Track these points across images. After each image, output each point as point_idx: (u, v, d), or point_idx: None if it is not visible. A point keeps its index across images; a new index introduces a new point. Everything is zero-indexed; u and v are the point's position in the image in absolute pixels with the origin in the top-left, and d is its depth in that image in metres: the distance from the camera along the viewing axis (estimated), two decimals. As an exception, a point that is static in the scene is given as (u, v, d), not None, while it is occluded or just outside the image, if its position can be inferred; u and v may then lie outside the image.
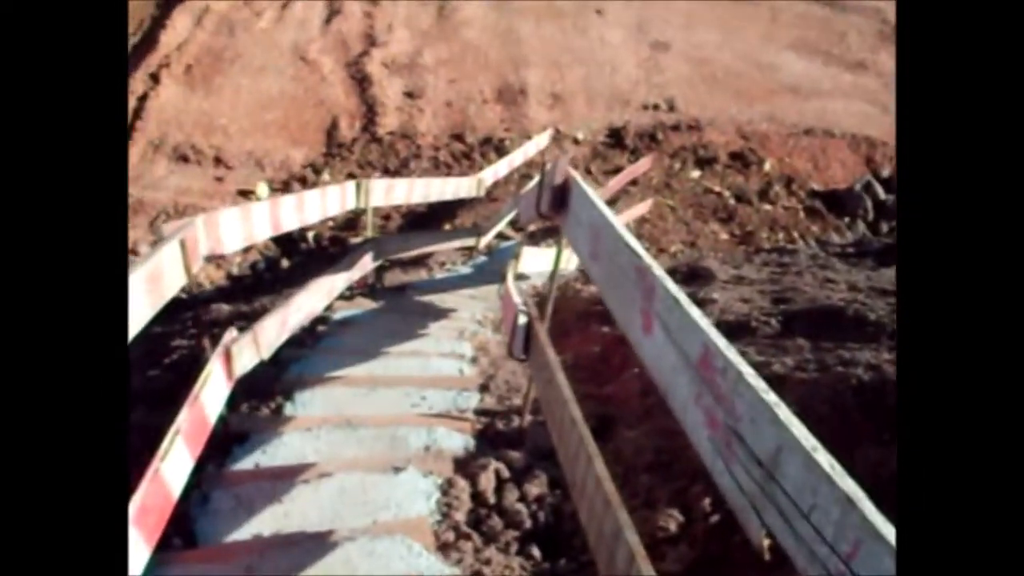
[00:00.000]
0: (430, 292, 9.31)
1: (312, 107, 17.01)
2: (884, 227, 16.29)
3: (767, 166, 17.38)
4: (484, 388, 5.91)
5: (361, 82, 18.00)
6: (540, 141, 15.42)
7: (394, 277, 9.79)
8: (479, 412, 5.49)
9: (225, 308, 8.58)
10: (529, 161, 15.07)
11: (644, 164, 15.61)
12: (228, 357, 4.33)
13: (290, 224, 6.00)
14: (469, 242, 11.29)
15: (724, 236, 14.96)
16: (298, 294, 5.77)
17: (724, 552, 3.73)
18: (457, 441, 4.98)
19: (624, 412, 5.36)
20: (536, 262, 9.88)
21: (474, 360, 6.62)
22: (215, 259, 13.12)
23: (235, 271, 13.03)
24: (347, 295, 7.91)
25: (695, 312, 2.30)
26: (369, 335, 6.94)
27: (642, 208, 14.32)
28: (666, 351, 2.44)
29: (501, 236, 12.62)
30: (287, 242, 13.45)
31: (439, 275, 10.50)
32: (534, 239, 13.20)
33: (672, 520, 3.97)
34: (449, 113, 17.83)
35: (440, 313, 8.24)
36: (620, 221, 3.17)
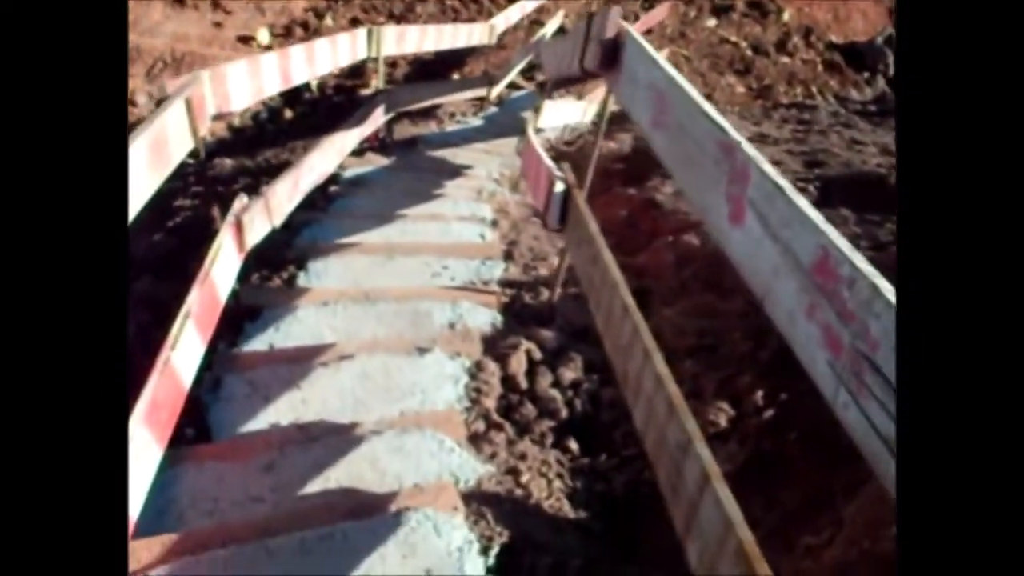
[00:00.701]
0: (442, 147, 8.86)
1: (314, -53, 16.15)
2: (904, 82, 15.66)
3: (786, 16, 16.62)
4: (508, 256, 5.55)
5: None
6: (553, -13, 14.68)
7: (404, 130, 9.31)
8: (504, 283, 5.14)
9: (228, 163, 8.18)
10: (540, 7, 14.31)
11: (660, 12, 14.87)
12: (239, 227, 3.97)
13: (301, 76, 5.55)
14: (480, 92, 10.76)
15: (741, 89, 14.37)
16: (309, 153, 5.35)
17: (778, 450, 3.43)
18: (483, 317, 4.65)
19: (659, 286, 5.02)
20: (556, 116, 9.41)
21: (494, 223, 6.25)
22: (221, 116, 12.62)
23: (237, 123, 12.52)
24: (357, 151, 7.46)
25: (804, 203, 1.93)
26: (383, 196, 6.54)
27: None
28: (764, 248, 2.06)
29: (513, 86, 12.05)
30: (290, 91, 12.89)
31: (450, 127, 10.01)
32: (543, 89, 12.70)
33: (722, 414, 3.67)
34: (457, -45, 16.97)
35: (455, 171, 7.82)
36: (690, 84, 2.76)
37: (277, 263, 5.06)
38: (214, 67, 4.10)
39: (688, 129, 2.57)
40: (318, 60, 5.86)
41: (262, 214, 4.31)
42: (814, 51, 16.07)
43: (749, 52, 15.36)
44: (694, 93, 2.59)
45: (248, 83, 4.55)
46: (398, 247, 5.40)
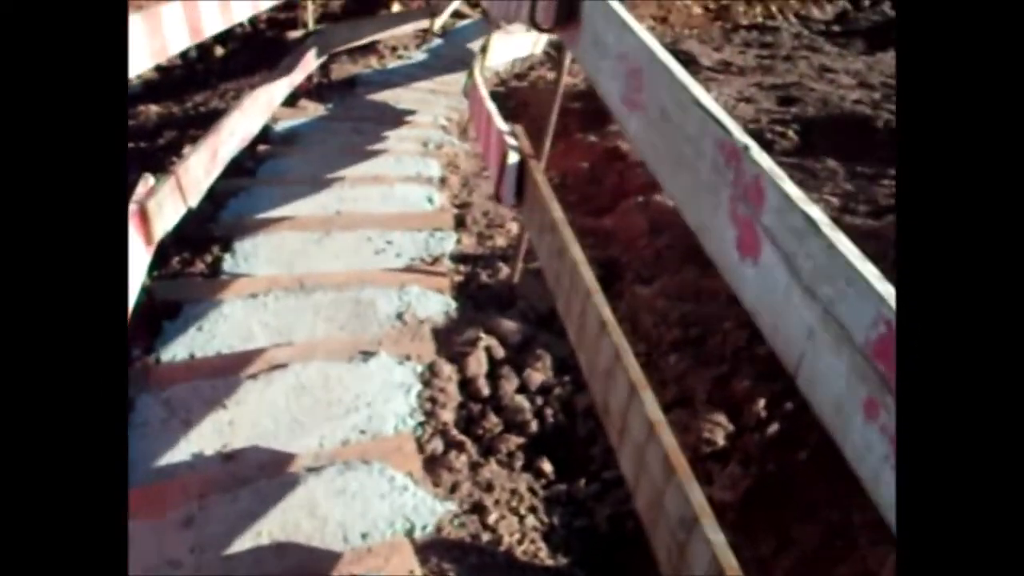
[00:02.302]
0: (383, 87, 8.21)
1: None
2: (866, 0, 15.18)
3: (746, -72, 15.94)
4: (460, 223, 5.00)
5: None
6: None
7: (341, 69, 8.62)
8: (457, 258, 4.61)
9: (154, 110, 7.56)
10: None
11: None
12: (144, 216, 3.39)
13: (213, 27, 4.89)
14: (423, 24, 10.11)
15: (697, 11, 13.76)
16: (229, 115, 4.72)
17: (787, 474, 2.96)
18: (435, 304, 4.11)
19: (630, 257, 4.52)
20: (506, 51, 8.79)
21: (443, 181, 5.68)
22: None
23: (163, 63, 11.75)
24: (290, 98, 6.81)
25: (849, 247, 1.43)
26: (319, 155, 5.92)
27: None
28: (792, 302, 1.56)
29: (457, 14, 11.37)
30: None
31: (392, 64, 9.33)
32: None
33: (719, 429, 3.17)
34: None
35: (397, 116, 7.21)
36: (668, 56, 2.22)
37: (199, 243, 4.51)
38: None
39: (675, 119, 2.04)
40: (234, 6, 5.22)
41: (173, 196, 3.72)
42: (773, -35, 15.46)
43: (704, -32, 14.71)
44: (683, 74, 2.06)
45: (145, 43, 3.94)
46: (335, 220, 4.84)
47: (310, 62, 6.79)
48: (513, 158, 3.43)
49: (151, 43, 3.98)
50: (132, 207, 3.31)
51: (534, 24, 3.33)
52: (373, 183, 5.40)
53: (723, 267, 1.84)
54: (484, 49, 6.77)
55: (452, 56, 9.90)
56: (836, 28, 12.82)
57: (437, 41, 10.41)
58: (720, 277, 3.89)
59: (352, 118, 6.89)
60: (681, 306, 3.82)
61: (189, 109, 7.89)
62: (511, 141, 3.54)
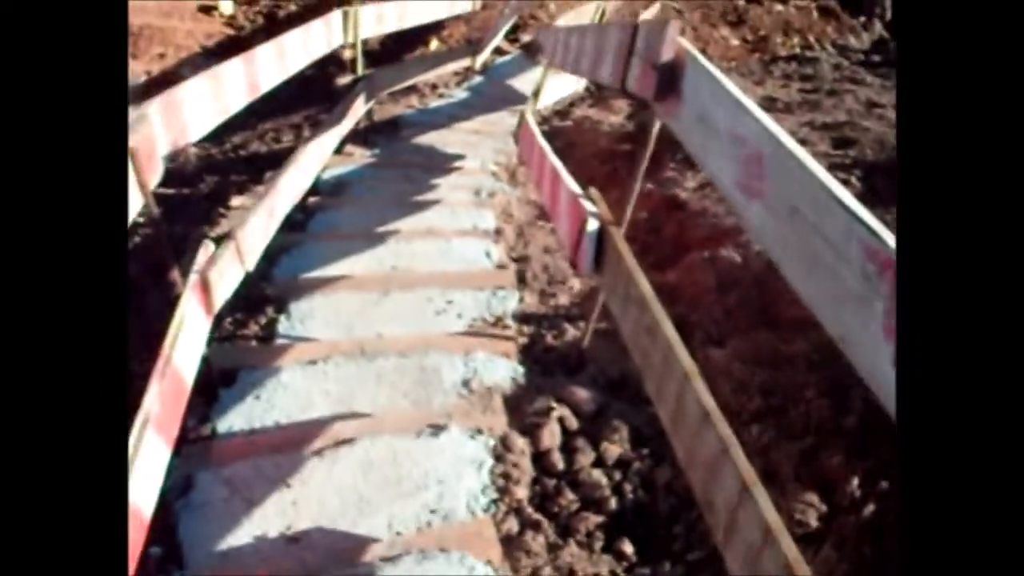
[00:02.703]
0: (427, 129, 8.09)
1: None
2: (903, 26, 15.02)
3: (779, -41, 15.81)
4: (521, 279, 4.84)
5: None
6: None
7: (383, 111, 8.52)
8: (521, 318, 4.45)
9: (192, 151, 7.47)
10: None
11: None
12: (206, 288, 3.28)
13: (271, 81, 4.79)
14: (465, 63, 10.01)
15: (735, 42, 13.62)
16: (284, 170, 4.60)
17: (884, 560, 2.78)
18: (502, 370, 3.95)
19: (699, 315, 4.34)
20: (555, 93, 8.69)
21: (498, 233, 5.53)
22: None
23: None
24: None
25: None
26: (370, 207, 5.78)
27: (649, 13, 12.92)
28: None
29: (497, 51, 11.27)
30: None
31: (433, 103, 9.23)
32: (530, 51, 11.93)
33: (811, 510, 3.00)
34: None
35: (445, 161, 7.08)
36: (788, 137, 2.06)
37: (252, 303, 4.37)
38: (167, 96, 3.36)
39: (810, 217, 1.87)
40: (289, 56, 5.11)
41: (233, 262, 3.61)
42: (808, -4, 15.33)
43: (741, 1, 14.56)
44: (818, 168, 1.90)
45: (210, 105, 3.83)
46: (393, 278, 4.69)
47: (359, 109, 6.68)
48: (592, 226, 3.27)
49: (216, 105, 3.88)
50: (193, 278, 3.19)
51: (625, 92, 3.18)
52: (429, 237, 5.26)
53: (876, 385, 1.66)
54: (536, 94, 6.65)
55: (493, 94, 9.80)
56: (876, 58, 12.62)
57: (478, 78, 10.32)
58: (796, 338, 3.74)
59: (400, 164, 6.76)
60: (759, 372, 3.64)
61: (229, 151, 7.79)
62: (589, 207, 3.39)
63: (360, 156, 6.94)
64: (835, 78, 10.96)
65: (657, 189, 5.90)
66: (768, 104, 8.77)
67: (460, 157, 7.14)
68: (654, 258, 5.08)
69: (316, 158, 5.33)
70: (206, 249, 3.40)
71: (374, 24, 7.05)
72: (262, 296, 4.41)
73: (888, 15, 15.20)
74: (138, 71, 11.79)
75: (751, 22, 14.03)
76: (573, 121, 8.79)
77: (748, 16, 14.14)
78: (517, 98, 9.86)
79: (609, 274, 3.22)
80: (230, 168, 7.13)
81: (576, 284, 4.72)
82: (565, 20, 8.96)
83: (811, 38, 14.11)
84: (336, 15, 6.29)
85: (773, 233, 2.06)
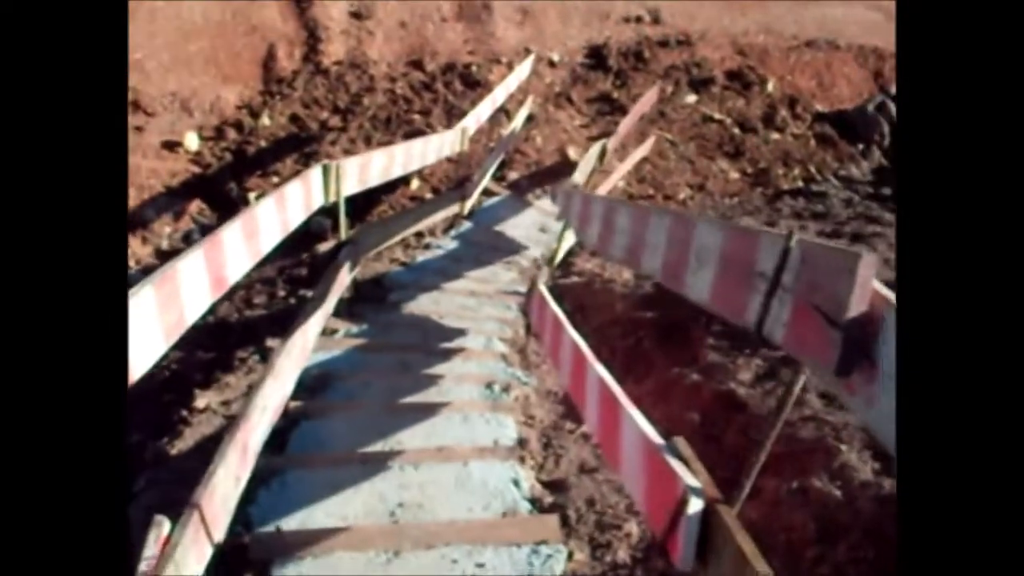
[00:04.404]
0: (417, 291, 7.11)
1: (243, 34, 14.31)
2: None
3: (769, 86, 15.21)
4: (563, 522, 3.78)
5: (299, 2, 15.27)
6: (521, 72, 13.02)
7: (367, 267, 7.51)
8: (572, 583, 3.40)
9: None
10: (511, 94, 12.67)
11: (651, 96, 13.31)
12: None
13: (239, 269, 3.84)
14: (453, 210, 9.14)
15: (735, 175, 12.88)
16: (259, 387, 3.57)
17: None
18: None
19: (797, 571, 3.32)
20: (565, 248, 7.82)
21: (523, 445, 4.49)
22: (139, 231, 10.88)
23: (165, 244, 10.74)
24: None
25: None
26: (362, 415, 4.67)
27: (645, 148, 12.18)
28: None
29: (485, 191, 10.41)
30: (223, 203, 11.17)
31: (420, 256, 8.24)
32: (518, 189, 11.12)
33: None
34: (404, 35, 15.25)
35: (444, 338, 6.06)
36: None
37: (229, 568, 3.29)
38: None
39: None
40: (262, 235, 4.18)
41: (196, 539, 2.58)
42: (801, 123, 14.71)
43: (736, 130, 13.93)
44: None
45: (159, 320, 2.85)
46: (405, 531, 3.59)
47: (343, 281, 5.72)
48: (695, 506, 2.27)
49: (164, 319, 2.93)
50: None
51: (761, 336, 2.22)
52: (440, 459, 4.18)
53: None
54: (551, 261, 5.72)
55: (483, 242, 8.92)
56: (885, 191, 11.93)
57: (466, 224, 9.40)
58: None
59: (393, 348, 5.71)
60: None
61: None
62: (684, 475, 2.38)
63: (345, 335, 5.91)
64: (849, 215, 10.22)
65: (705, 382, 4.91)
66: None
67: (461, 333, 6.13)
68: (717, 480, 4.07)
69: (297, 356, 4.31)
70: (158, 529, 2.39)
71: (357, 177, 6.11)
72: (240, 558, 3.35)
73: (887, 142, 14.59)
74: (97, 212, 10.88)
75: (749, 153, 13.33)
76: (579, 277, 7.87)
77: (745, 146, 13.45)
78: (509, 247, 8.99)
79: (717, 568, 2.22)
80: (195, 342, 6.11)
81: (634, 529, 3.69)
82: (580, 172, 8.02)
83: (812, 169, 13.43)
84: (315, 173, 5.36)
85: None
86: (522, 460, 4.32)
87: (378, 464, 4.08)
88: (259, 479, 3.81)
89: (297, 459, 4.15)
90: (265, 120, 12.45)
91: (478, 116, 10.44)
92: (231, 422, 3.32)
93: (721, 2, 17.68)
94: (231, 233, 3.78)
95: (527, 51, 15.00)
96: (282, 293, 7.14)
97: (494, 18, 15.94)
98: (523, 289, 7.63)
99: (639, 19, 16.89)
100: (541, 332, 4.82)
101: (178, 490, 4.10)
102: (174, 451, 4.35)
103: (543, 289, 4.95)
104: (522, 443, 4.50)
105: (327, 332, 5.71)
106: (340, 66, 14.04)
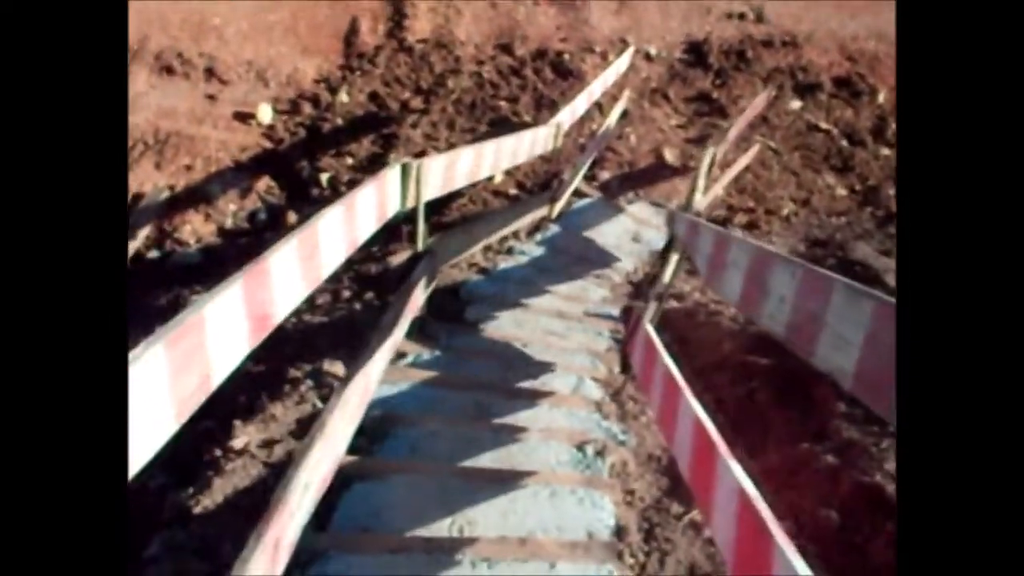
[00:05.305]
0: (497, 307, 6.27)
1: (327, 6, 13.63)
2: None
3: (880, 97, 14.10)
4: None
5: (386, -25, 14.46)
6: (619, 65, 12.10)
7: (443, 275, 6.68)
8: None
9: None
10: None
11: (761, 101, 12.32)
12: None
13: (288, 305, 3.04)
14: (541, 213, 8.30)
15: (842, 191, 11.85)
16: (304, 459, 2.79)
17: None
18: None
19: None
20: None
21: (621, 536, 3.65)
22: (201, 207, 10.23)
23: (229, 223, 10.08)
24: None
25: None
26: (427, 480, 3.84)
27: (749, 156, 11.23)
28: None
29: (576, 193, 9.54)
30: (293, 182, 10.49)
31: (502, 263, 7.39)
32: (609, 190, 10.26)
33: None
34: (493, 17, 14.41)
35: (527, 375, 5.19)
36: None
37: None
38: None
39: None
40: (323, 256, 3.39)
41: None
42: (914, 139, 13.61)
43: (844, 142, 12.87)
44: None
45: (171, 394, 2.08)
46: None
47: (417, 303, 4.90)
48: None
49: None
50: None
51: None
52: (523, 555, 3.32)
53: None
54: (660, 296, 4.85)
55: (572, 250, 8.08)
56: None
57: (553, 228, 8.54)
58: None
59: (469, 385, 4.86)
60: None
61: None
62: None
63: (414, 361, 5.09)
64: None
65: (843, 467, 4.02)
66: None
67: (547, 368, 5.26)
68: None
69: (355, 410, 3.51)
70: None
71: (441, 178, 5.28)
72: None
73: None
74: (160, 184, 10.25)
75: (857, 168, 12.28)
76: (678, 302, 6.98)
77: (853, 161, 12.39)
78: (599, 258, 8.13)
79: None
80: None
81: None
82: (699, 192, 7.02)
83: (924, 189, 12.37)
84: (392, 174, 4.54)
85: None
86: (620, 556, 3.49)
87: (444, 556, 3.27)
88: (295, 564, 3.02)
89: (344, 541, 3.34)
90: (343, 96, 11.71)
91: (573, 111, 9.54)
92: (263, 511, 2.52)
93: (830, 2, 16.53)
94: (281, 259, 2.98)
95: (623, 42, 14.09)
96: (347, 294, 6.37)
97: (589, 5, 15.00)
98: (615, 312, 6.80)
99: (742, 16, 15.82)
100: (647, 386, 3.99)
101: (197, 563, 3.37)
102: (198, 508, 3.59)
103: (651, 332, 4.12)
104: (620, 532, 3.65)
105: (395, 356, 4.90)
106: (425, 44, 13.24)
